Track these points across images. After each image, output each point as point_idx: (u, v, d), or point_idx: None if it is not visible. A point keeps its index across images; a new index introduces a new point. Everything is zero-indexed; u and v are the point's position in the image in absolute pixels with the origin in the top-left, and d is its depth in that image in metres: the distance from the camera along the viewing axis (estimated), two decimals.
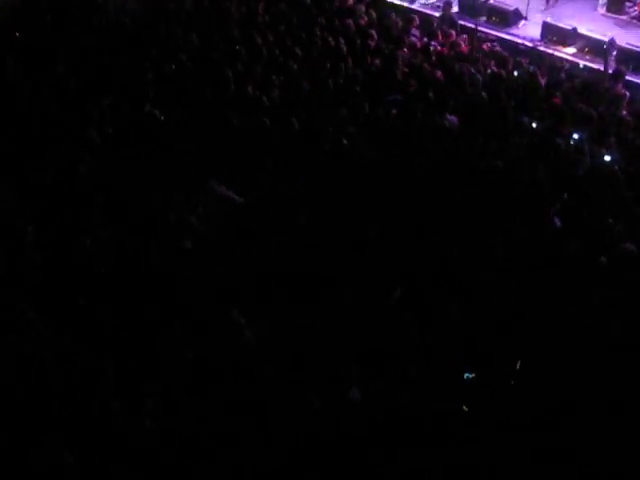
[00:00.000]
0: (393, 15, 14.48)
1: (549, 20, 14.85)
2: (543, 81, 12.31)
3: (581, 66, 13.84)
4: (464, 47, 13.53)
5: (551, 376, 6.98)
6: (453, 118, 10.81)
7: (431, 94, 11.32)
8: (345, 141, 10.01)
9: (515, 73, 12.51)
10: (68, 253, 7.86)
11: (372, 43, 12.94)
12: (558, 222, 9.02)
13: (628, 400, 6.78)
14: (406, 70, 12.26)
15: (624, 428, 6.56)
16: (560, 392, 6.81)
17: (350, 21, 13.78)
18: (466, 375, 6.88)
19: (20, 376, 6.56)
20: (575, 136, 10.51)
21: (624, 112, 11.71)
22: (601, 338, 7.40)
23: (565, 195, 9.43)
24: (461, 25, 14.83)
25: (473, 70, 12.33)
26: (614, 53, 13.72)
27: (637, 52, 13.80)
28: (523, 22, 15.38)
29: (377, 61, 12.37)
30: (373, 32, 13.32)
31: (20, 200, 8.68)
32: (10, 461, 5.86)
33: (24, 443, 5.97)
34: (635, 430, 6.58)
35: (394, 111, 10.98)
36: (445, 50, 13.34)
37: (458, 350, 7.21)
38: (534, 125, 10.81)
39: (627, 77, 12.97)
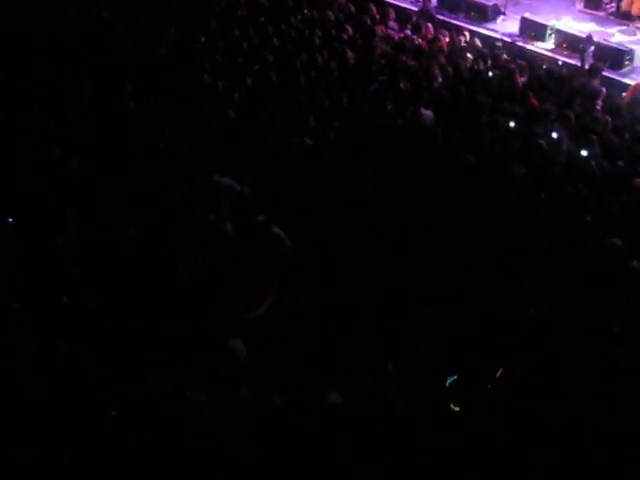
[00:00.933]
0: (373, 8, 14.49)
1: (527, 15, 14.92)
2: (521, 79, 12.36)
3: (559, 62, 13.92)
4: (443, 41, 13.57)
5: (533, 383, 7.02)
6: (429, 112, 10.82)
7: (404, 86, 11.35)
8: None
9: (490, 72, 12.54)
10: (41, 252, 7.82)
11: (346, 36, 12.95)
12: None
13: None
14: (382, 62, 12.30)
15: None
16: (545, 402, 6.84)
17: (330, 13, 13.82)
18: (448, 379, 6.90)
19: (13, 374, 6.54)
20: (553, 134, 10.56)
21: (598, 107, 11.78)
22: (584, 338, 7.46)
23: (542, 193, 9.47)
24: (440, 20, 14.89)
25: (449, 65, 12.37)
26: (591, 49, 13.80)
27: (614, 48, 13.90)
28: (502, 17, 15.45)
29: (351, 53, 12.40)
30: (348, 27, 13.35)
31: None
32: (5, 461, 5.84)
33: (19, 443, 5.96)
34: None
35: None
36: (424, 44, 13.36)
37: (443, 351, 7.23)
38: (511, 123, 10.85)
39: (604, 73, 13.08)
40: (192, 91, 11.03)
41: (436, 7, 15.49)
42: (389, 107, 10.92)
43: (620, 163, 10.18)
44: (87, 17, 12.75)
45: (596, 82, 12.64)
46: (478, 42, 13.85)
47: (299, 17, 13.76)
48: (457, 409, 6.71)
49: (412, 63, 12.38)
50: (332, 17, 13.85)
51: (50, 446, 5.86)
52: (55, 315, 7.25)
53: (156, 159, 9.35)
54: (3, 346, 6.77)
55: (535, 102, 11.35)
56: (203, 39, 12.50)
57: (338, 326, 7.39)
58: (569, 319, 7.68)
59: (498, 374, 6.97)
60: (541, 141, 10.20)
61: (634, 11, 15.26)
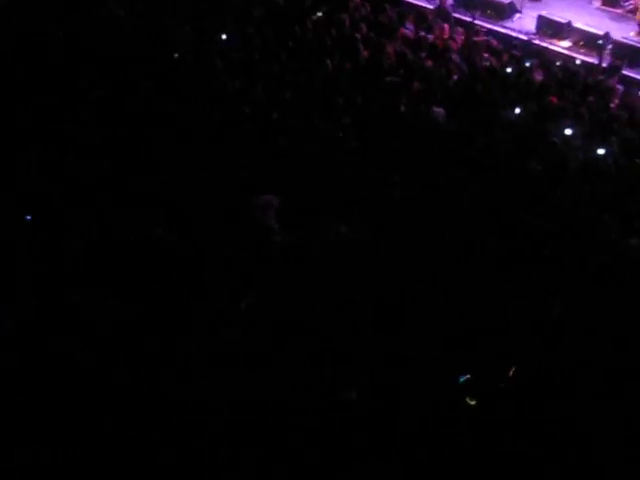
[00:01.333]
0: (388, 8, 14.46)
1: (544, 13, 14.84)
2: (538, 76, 12.30)
3: (577, 61, 13.83)
4: (458, 40, 13.52)
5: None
6: (440, 110, 10.77)
7: (416, 86, 11.33)
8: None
9: (509, 68, 12.48)
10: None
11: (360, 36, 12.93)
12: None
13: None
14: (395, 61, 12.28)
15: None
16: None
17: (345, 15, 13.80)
18: (461, 377, 6.86)
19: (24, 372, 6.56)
20: (568, 131, 10.49)
21: (612, 105, 11.70)
22: (599, 338, 7.39)
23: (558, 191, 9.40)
24: (456, 18, 14.83)
25: (464, 63, 12.32)
26: (609, 47, 13.71)
27: (632, 46, 13.80)
28: (518, 15, 15.38)
29: (366, 53, 12.38)
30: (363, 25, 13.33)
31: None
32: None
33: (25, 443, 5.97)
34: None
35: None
36: (439, 43, 13.31)
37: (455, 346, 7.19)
38: (525, 119, 10.79)
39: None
40: (207, 90, 11.04)
41: (452, 5, 15.42)
42: (402, 106, 10.91)
43: (638, 160, 10.10)
44: (103, 15, 12.75)
45: (613, 80, 12.57)
46: (494, 40, 13.78)
47: (314, 17, 13.73)
48: (473, 403, 6.68)
49: (427, 62, 12.34)
50: (347, 17, 13.83)
51: (55, 445, 5.86)
52: (68, 314, 7.26)
53: (174, 158, 9.37)
54: (17, 343, 6.80)
55: (554, 99, 11.28)
56: (222, 37, 12.50)
57: (354, 322, 7.37)
58: (587, 320, 7.62)
59: (511, 373, 6.93)
60: (555, 139, 10.14)
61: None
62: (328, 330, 7.22)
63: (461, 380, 6.80)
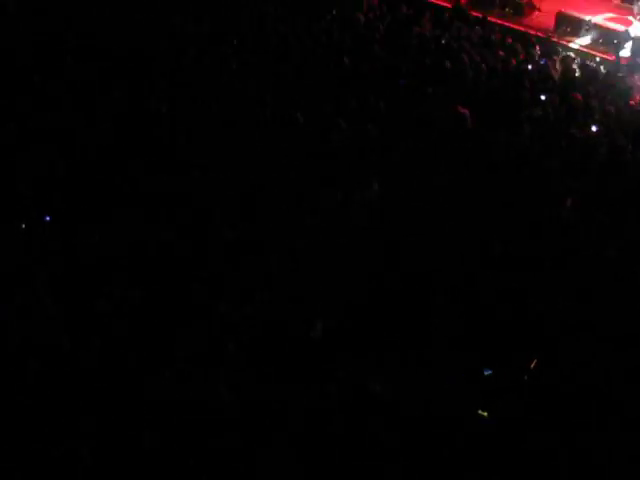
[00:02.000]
0: (404, 8, 14.40)
1: (563, 10, 14.76)
2: (556, 73, 12.21)
3: (597, 58, 13.75)
4: (476, 38, 13.44)
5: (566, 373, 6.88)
6: (464, 111, 10.69)
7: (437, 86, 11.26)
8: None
9: (529, 65, 12.39)
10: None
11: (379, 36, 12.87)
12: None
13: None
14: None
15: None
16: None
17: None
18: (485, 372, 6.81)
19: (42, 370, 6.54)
20: (593, 128, 10.41)
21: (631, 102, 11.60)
22: (608, 335, 7.30)
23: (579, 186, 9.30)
24: (474, 16, 14.76)
25: (483, 61, 12.24)
26: (629, 44, 13.61)
27: None
28: (536, 13, 15.32)
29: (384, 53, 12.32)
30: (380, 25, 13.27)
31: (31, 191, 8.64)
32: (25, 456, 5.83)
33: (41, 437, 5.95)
34: None
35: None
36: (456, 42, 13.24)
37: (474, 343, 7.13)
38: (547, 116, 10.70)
39: None
40: (223, 92, 11.02)
41: (470, 3, 15.36)
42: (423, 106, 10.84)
43: None
44: (118, 18, 12.76)
45: (635, 78, 12.47)
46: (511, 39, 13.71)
47: (329, 17, 13.70)
48: (485, 414, 6.63)
49: (446, 62, 12.28)
50: (362, 17, 13.79)
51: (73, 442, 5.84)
52: (89, 314, 7.24)
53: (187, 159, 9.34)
54: (34, 342, 6.78)
55: (577, 96, 11.20)
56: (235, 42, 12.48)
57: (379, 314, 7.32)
58: (602, 321, 7.53)
59: (532, 365, 6.87)
60: (574, 130, 10.06)
61: None
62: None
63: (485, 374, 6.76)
